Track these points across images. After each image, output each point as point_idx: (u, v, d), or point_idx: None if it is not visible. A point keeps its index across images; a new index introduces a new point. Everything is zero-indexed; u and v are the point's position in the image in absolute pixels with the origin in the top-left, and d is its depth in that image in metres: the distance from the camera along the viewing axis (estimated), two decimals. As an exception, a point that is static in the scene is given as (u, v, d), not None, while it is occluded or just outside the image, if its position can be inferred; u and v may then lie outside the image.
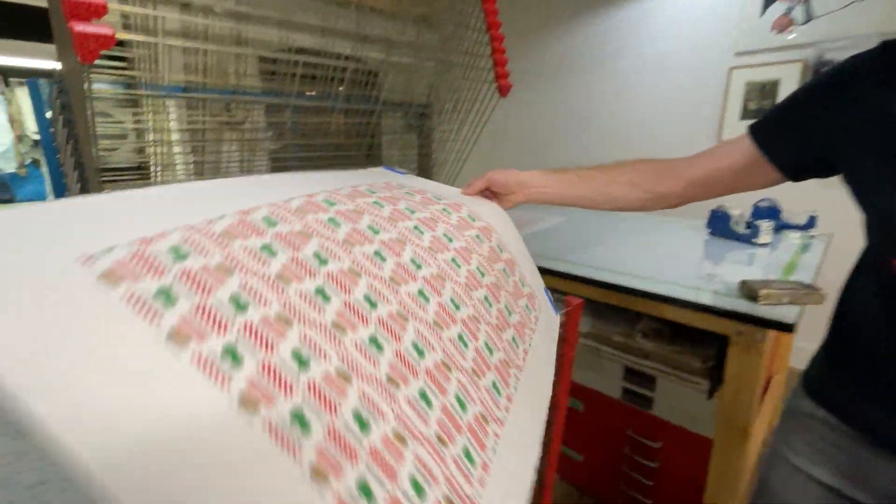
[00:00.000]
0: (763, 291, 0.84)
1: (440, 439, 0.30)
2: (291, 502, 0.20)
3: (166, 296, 0.23)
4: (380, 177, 0.65)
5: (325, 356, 0.27)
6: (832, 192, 1.93)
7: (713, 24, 2.12)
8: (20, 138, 2.16)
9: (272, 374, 0.24)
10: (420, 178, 0.73)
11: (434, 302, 0.40)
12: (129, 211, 0.30)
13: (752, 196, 2.11)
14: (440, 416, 0.32)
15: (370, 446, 0.25)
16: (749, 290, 0.87)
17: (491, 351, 0.44)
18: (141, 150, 0.73)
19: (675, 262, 1.23)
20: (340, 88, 0.89)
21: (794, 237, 1.41)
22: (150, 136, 0.69)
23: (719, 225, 1.43)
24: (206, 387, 0.21)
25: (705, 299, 0.91)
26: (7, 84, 2.07)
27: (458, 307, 0.42)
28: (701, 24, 2.16)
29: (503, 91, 0.94)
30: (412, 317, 0.36)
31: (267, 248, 0.31)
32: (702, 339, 1.04)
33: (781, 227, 1.45)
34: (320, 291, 0.31)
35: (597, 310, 1.27)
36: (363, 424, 0.26)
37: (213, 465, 0.19)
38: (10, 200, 2.24)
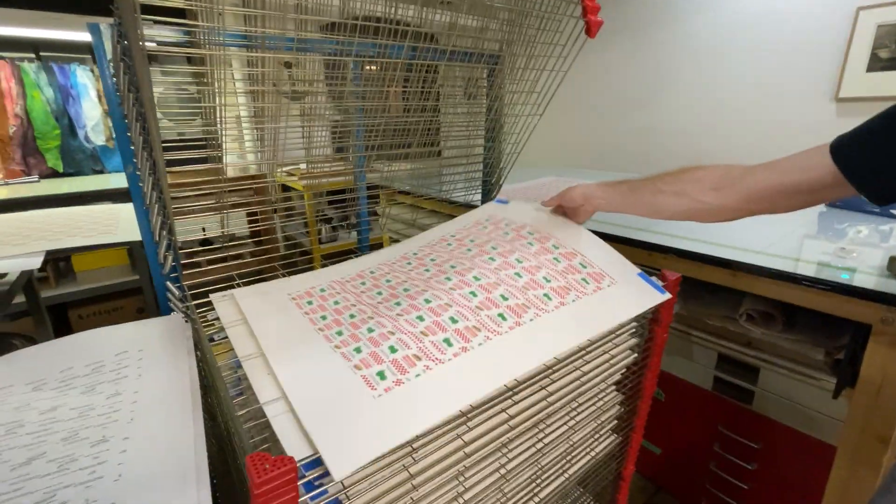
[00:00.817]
0: (928, 270, 0.66)
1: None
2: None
3: (357, 349, 0.52)
4: (491, 211, 0.91)
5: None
6: None
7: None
8: (108, 112, 2.31)
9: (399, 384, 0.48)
10: (519, 205, 0.92)
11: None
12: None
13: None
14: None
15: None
16: (905, 269, 0.70)
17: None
18: (207, 125, 0.71)
19: (789, 235, 1.04)
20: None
21: (944, 209, 1.15)
22: (217, 101, 0.66)
23: (843, 194, 1.20)
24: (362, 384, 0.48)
25: (838, 278, 0.74)
26: (96, 61, 2.19)
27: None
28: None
29: (591, 29, 0.80)
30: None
31: (419, 318, 0.59)
32: (828, 327, 0.86)
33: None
34: (447, 341, 0.55)
35: (689, 288, 1.11)
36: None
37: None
38: (100, 171, 2.42)
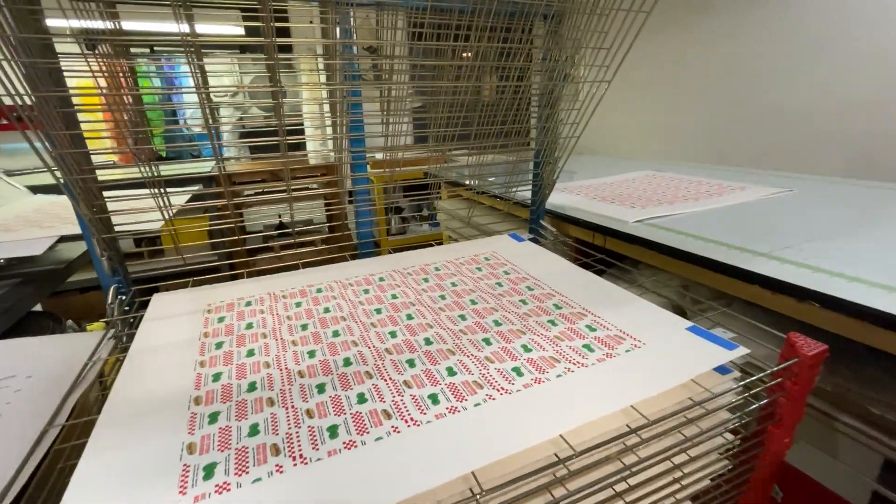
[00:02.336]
0: None
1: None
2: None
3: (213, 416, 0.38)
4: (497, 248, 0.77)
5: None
6: None
7: None
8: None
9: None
10: (531, 249, 0.76)
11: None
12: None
13: None
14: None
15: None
16: None
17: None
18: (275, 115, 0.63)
19: None
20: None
21: None
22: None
23: None
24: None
25: None
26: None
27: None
28: None
29: None
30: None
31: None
32: None
33: None
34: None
35: (841, 352, 0.73)
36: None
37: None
38: (198, 155, 2.60)
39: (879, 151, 1.69)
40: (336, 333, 0.51)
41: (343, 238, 0.82)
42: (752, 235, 0.82)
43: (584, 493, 0.35)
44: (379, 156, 0.82)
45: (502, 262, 0.70)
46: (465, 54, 0.68)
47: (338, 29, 0.64)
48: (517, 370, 0.42)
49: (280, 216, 2.51)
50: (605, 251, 0.99)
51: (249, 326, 0.55)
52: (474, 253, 0.75)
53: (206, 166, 2.32)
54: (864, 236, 0.79)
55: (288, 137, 0.62)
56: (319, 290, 0.64)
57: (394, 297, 0.60)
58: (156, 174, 0.57)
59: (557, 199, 1.16)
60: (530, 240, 0.81)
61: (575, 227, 1.01)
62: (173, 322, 0.55)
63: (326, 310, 0.58)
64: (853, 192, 1.14)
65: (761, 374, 0.43)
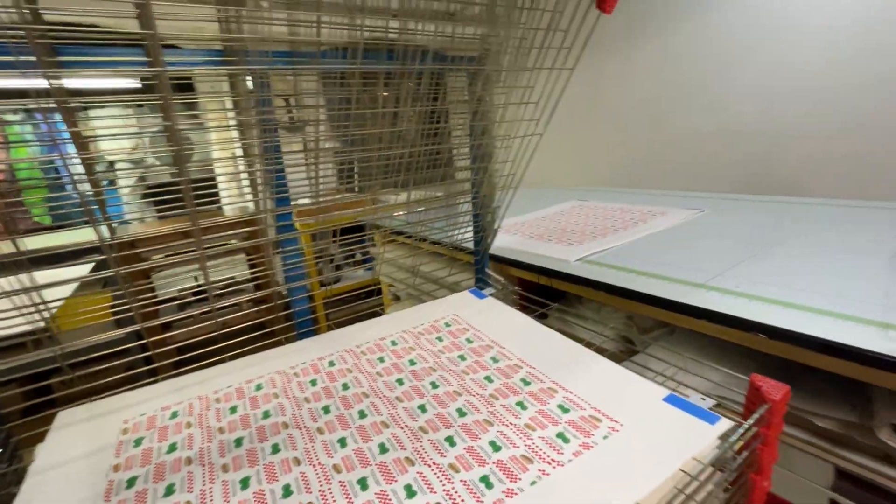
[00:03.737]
0: None
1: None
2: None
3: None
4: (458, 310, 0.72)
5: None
6: None
7: None
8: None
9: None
10: (495, 306, 0.72)
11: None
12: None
13: None
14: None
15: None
16: None
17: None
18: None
19: (929, 283, 0.69)
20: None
21: None
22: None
23: None
24: None
25: None
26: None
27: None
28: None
29: (605, 1, 0.52)
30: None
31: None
32: None
33: None
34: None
35: (782, 370, 0.78)
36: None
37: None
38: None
39: (765, 169, 1.93)
40: (276, 449, 0.43)
41: (273, 297, 0.74)
42: (684, 264, 0.86)
43: None
44: (306, 201, 0.75)
45: (464, 328, 0.66)
46: (384, 94, 0.65)
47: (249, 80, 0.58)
48: (485, 480, 0.37)
49: (196, 278, 2.29)
50: (551, 290, 0.99)
51: (172, 448, 0.45)
52: (434, 318, 0.70)
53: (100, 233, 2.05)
54: (778, 253, 0.86)
55: (199, 192, 0.54)
56: (259, 387, 0.55)
57: (345, 387, 0.53)
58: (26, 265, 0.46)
59: (497, 239, 1.15)
60: (490, 294, 0.78)
61: (518, 270, 1.01)
62: (70, 469, 0.43)
63: (266, 414, 0.50)
64: (751, 206, 1.27)
65: (741, 429, 0.43)
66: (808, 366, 0.64)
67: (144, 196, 2.35)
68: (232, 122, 0.71)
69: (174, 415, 0.50)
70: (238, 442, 0.45)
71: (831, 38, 1.66)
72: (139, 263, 0.57)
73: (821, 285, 0.71)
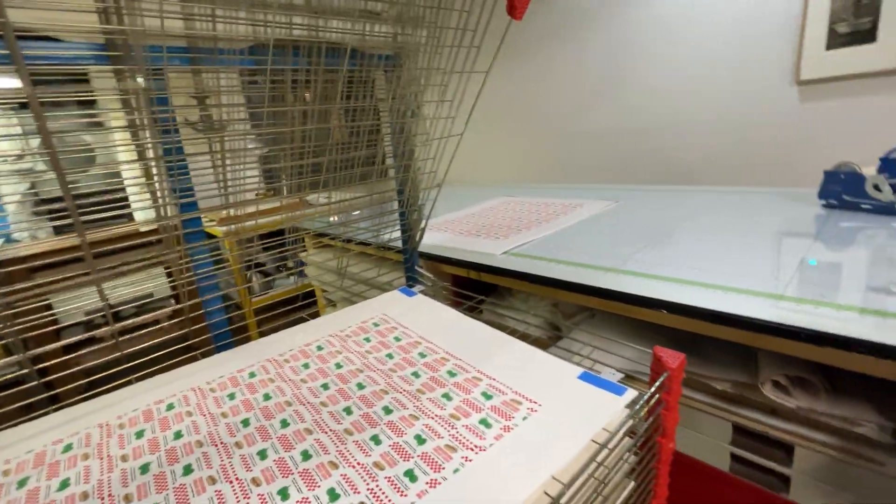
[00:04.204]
0: None
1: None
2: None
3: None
4: (386, 309, 0.71)
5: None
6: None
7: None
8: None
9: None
10: (424, 304, 0.72)
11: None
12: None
13: (844, 147, 1.62)
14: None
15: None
16: None
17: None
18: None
19: (805, 261, 0.80)
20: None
21: (962, 199, 0.95)
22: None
23: (843, 190, 0.99)
24: None
25: (885, 331, 0.49)
26: None
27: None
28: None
29: (516, 8, 0.54)
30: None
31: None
32: (888, 391, 0.62)
33: (939, 185, 0.99)
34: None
35: (686, 341, 0.85)
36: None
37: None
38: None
39: (668, 161, 2.11)
40: (188, 470, 0.41)
41: (194, 311, 0.69)
42: (599, 251, 0.92)
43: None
44: (226, 207, 0.71)
45: (392, 327, 0.66)
46: (306, 94, 0.63)
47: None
48: (410, 474, 0.38)
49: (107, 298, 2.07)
50: (484, 284, 1.01)
51: (64, 485, 0.41)
52: (362, 320, 0.69)
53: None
54: (679, 237, 0.95)
55: (100, 202, 0.49)
56: (170, 407, 0.51)
57: (266, 397, 0.51)
58: None
59: (426, 237, 1.16)
60: (420, 291, 0.79)
61: (449, 266, 1.02)
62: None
63: (178, 434, 0.46)
64: (657, 196, 1.39)
65: (646, 397, 0.47)
66: (707, 336, 0.72)
67: (37, 208, 2.09)
68: (125, 123, 0.66)
69: (68, 448, 0.45)
70: (144, 468, 0.42)
71: (713, 46, 1.85)
72: (16, 285, 0.50)
73: (717, 263, 0.80)
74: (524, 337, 0.62)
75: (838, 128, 1.64)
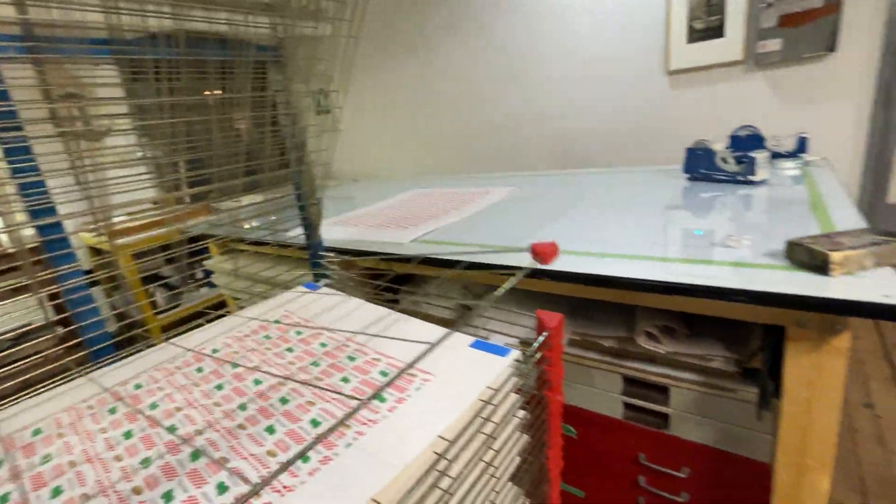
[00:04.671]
0: (837, 256, 0.53)
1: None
2: None
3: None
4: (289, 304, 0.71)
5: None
6: (799, 111, 1.71)
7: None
8: None
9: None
10: (331, 297, 0.72)
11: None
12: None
13: (707, 126, 1.85)
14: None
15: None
16: (812, 256, 0.56)
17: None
18: None
19: (663, 226, 0.91)
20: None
21: (788, 167, 1.14)
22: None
23: (701, 165, 1.14)
24: None
25: (727, 277, 0.59)
26: None
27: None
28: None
29: None
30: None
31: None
32: (736, 331, 0.73)
33: (771, 156, 1.18)
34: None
35: (577, 308, 0.94)
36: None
37: None
38: None
39: (567, 146, 2.27)
40: (57, 492, 0.38)
41: (72, 339, 0.63)
42: (500, 232, 0.97)
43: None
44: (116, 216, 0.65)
45: (294, 322, 0.65)
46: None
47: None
48: (304, 457, 0.38)
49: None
50: (401, 277, 1.03)
51: None
52: (263, 318, 0.67)
53: None
54: (575, 214, 1.04)
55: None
56: (37, 433, 0.46)
57: (153, 406, 0.48)
58: None
59: (339, 233, 1.15)
60: (326, 285, 0.78)
61: (362, 259, 1.02)
62: None
63: (46, 458, 0.42)
64: (558, 179, 1.49)
65: (528, 354, 0.51)
66: (598, 301, 0.80)
67: None
68: None
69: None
70: (4, 498, 0.38)
71: (600, 38, 2.02)
72: None
73: (603, 234, 0.88)
74: (439, 321, 0.64)
75: (701, 110, 1.87)
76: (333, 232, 1.17)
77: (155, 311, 2.26)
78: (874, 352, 1.55)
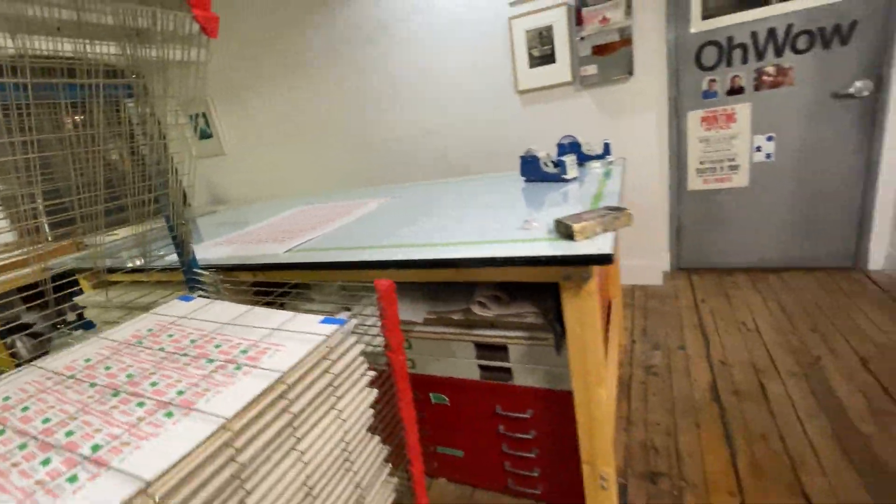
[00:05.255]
0: (577, 226, 0.76)
1: None
2: None
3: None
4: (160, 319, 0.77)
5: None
6: (619, 121, 2.12)
7: (484, -22, 2.12)
8: None
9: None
10: (204, 306, 0.79)
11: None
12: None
13: (553, 137, 2.20)
14: None
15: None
16: (565, 229, 0.79)
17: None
18: None
19: (497, 218, 1.13)
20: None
21: (595, 167, 1.45)
22: None
23: (530, 169, 1.40)
24: None
25: (523, 250, 0.80)
26: None
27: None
28: (474, -21, 2.15)
29: (208, 27, 0.67)
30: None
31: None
32: (539, 293, 0.96)
33: (584, 159, 1.49)
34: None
35: (430, 292, 1.12)
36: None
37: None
38: None
39: (442, 159, 2.51)
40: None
41: None
42: (372, 236, 1.12)
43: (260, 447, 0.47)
44: None
45: (166, 327, 0.72)
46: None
47: None
48: (168, 414, 0.49)
49: None
50: (274, 284, 1.12)
51: None
52: (135, 330, 0.73)
53: None
54: (444, 214, 1.22)
55: None
56: None
57: (24, 409, 0.54)
58: None
59: (219, 252, 1.21)
60: (200, 297, 0.85)
61: (243, 273, 1.10)
62: None
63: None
64: (430, 188, 1.69)
65: (365, 317, 0.66)
66: (447, 283, 0.97)
67: None
68: None
69: None
70: None
71: (466, 59, 2.30)
72: None
73: (454, 227, 1.07)
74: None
75: (544, 123, 2.22)
76: (214, 251, 1.23)
77: (17, 363, 2.03)
78: (689, 306, 1.97)
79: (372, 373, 0.69)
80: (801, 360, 1.50)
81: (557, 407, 1.00)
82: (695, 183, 2.20)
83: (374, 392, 0.70)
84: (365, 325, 0.79)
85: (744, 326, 1.75)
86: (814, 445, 1.17)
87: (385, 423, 0.77)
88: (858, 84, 1.82)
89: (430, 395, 1.17)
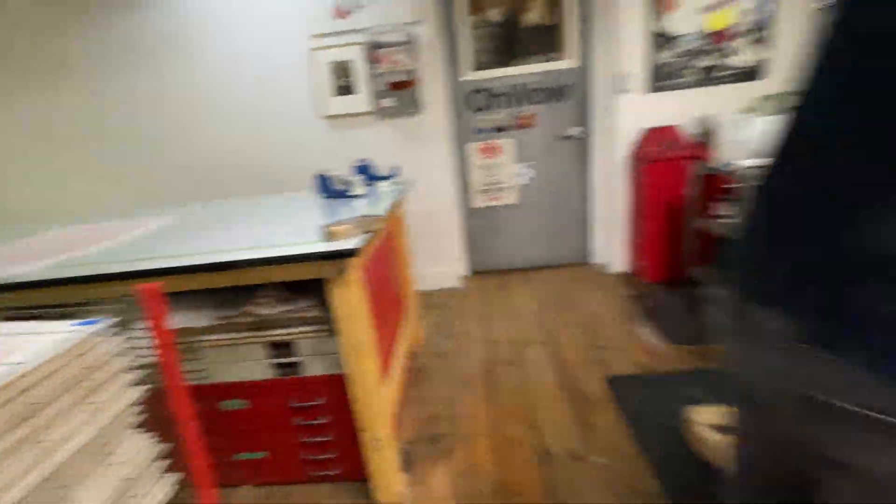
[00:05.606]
0: (336, 229, 0.94)
1: None
2: None
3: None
4: None
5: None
6: (417, 149, 2.45)
7: (285, 9, 2.24)
8: None
9: None
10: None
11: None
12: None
13: (350, 159, 2.42)
14: None
15: None
16: (327, 233, 0.97)
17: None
18: None
19: (287, 228, 1.26)
20: None
21: (383, 186, 1.70)
22: None
23: (325, 187, 1.57)
24: None
25: (292, 251, 0.95)
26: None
27: None
28: (272, 10, 2.25)
29: None
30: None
31: None
32: (315, 289, 1.11)
33: (374, 179, 1.72)
34: None
35: (214, 299, 1.17)
36: None
37: None
38: None
39: (252, 178, 2.50)
40: None
41: None
42: (131, 252, 1.12)
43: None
44: None
45: None
46: None
47: None
48: None
49: None
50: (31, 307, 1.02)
51: None
52: None
53: None
54: (221, 229, 1.27)
55: None
56: None
57: None
58: None
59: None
60: None
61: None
62: None
63: None
64: (222, 207, 1.70)
65: (118, 318, 0.71)
66: (234, 287, 1.04)
67: None
68: None
69: None
70: None
71: (282, 85, 2.36)
72: None
73: (259, 237, 1.14)
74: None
75: (350, 149, 2.44)
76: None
77: None
78: (476, 302, 2.38)
79: (139, 372, 0.74)
80: (547, 332, 1.99)
81: (344, 388, 1.15)
82: (479, 201, 2.68)
83: (139, 389, 0.74)
84: (142, 339, 0.82)
85: (513, 313, 2.22)
86: (545, 389, 1.59)
87: (162, 422, 0.81)
88: (573, 130, 2.52)
89: (225, 402, 1.20)
